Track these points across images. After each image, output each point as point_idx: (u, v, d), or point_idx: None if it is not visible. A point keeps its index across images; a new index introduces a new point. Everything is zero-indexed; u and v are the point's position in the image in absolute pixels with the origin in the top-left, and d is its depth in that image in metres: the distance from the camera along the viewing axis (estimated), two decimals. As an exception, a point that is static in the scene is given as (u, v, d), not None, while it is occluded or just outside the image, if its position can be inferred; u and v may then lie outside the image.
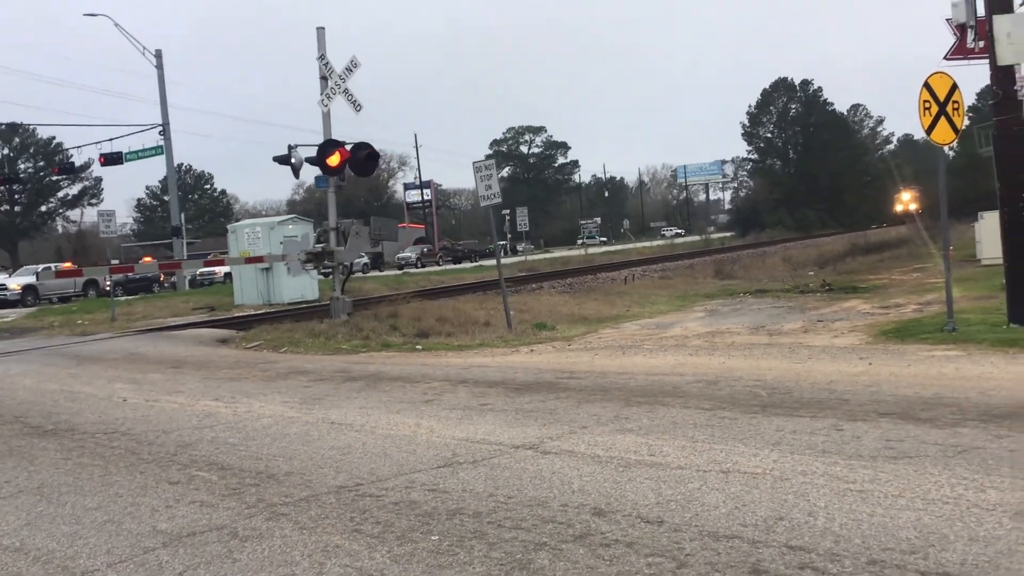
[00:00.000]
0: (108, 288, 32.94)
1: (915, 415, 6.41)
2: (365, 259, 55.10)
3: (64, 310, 30.71)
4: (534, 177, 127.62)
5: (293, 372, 11.64)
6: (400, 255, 67.26)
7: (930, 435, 5.79)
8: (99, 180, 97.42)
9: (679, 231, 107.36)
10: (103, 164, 43.34)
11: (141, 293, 42.63)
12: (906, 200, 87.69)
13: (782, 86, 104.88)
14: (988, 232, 23.21)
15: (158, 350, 15.47)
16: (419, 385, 9.73)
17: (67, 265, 42.51)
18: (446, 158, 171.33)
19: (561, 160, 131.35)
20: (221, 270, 45.96)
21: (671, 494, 4.94)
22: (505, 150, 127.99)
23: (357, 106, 17.55)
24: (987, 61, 10.99)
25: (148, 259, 39.59)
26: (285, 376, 11.28)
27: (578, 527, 4.48)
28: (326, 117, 17.94)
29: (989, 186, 11.52)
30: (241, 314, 23.96)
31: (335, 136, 17.94)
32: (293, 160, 17.31)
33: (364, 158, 17.48)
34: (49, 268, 42.77)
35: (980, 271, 21.53)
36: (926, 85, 10.81)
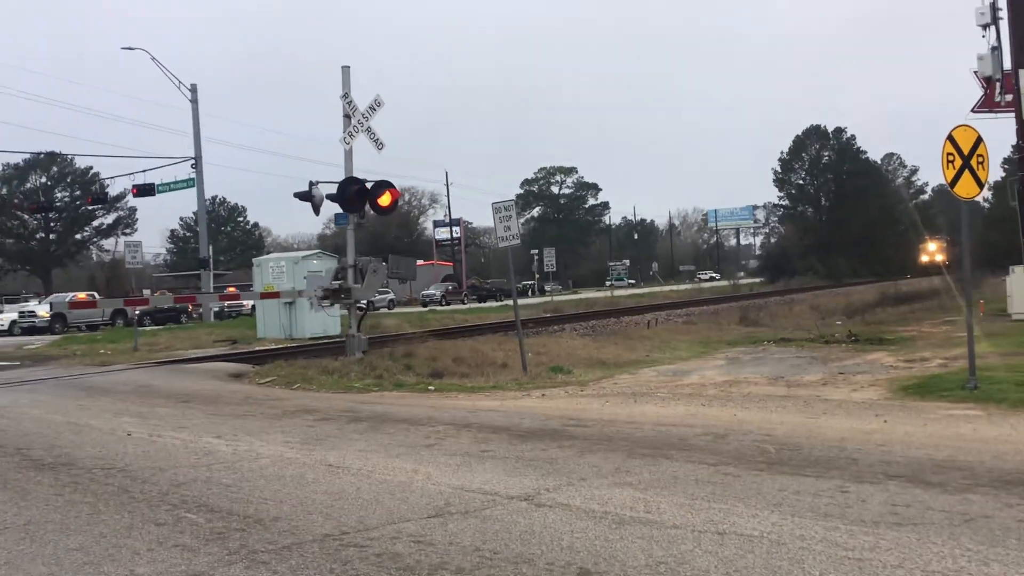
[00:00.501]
0: (135, 318, 33.15)
1: (925, 478, 6.18)
2: (391, 295, 55.31)
3: (89, 339, 30.98)
4: (564, 217, 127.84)
5: (300, 411, 11.55)
6: (425, 292, 67.55)
7: (938, 501, 5.56)
8: (134, 210, 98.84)
9: (714, 275, 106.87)
10: (135, 195, 44.05)
11: (169, 324, 42.96)
12: (932, 251, 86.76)
13: (815, 133, 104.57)
14: (1020, 286, 22.79)
15: (170, 383, 15.46)
16: (423, 428, 9.59)
17: (82, 296, 42.99)
18: (477, 196, 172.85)
19: (592, 201, 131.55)
20: (249, 302, 46.26)
21: (662, 555, 4.75)
22: (536, 190, 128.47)
23: (379, 144, 17.63)
24: (1014, 114, 10.83)
25: (164, 292, 39.97)
26: (291, 414, 11.19)
27: (560, 588, 4.31)
28: (348, 154, 18.02)
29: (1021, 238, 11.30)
30: (261, 348, 23.99)
31: (358, 173, 18.02)
32: (314, 196, 17.36)
33: (384, 196, 17.50)
34: (64, 298, 43.29)
35: (1011, 326, 21.10)
36: (950, 138, 10.65)
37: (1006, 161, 56.89)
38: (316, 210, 17.67)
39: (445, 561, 4.82)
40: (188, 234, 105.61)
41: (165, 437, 9.64)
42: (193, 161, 43.70)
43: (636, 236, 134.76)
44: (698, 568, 4.51)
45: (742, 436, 8.24)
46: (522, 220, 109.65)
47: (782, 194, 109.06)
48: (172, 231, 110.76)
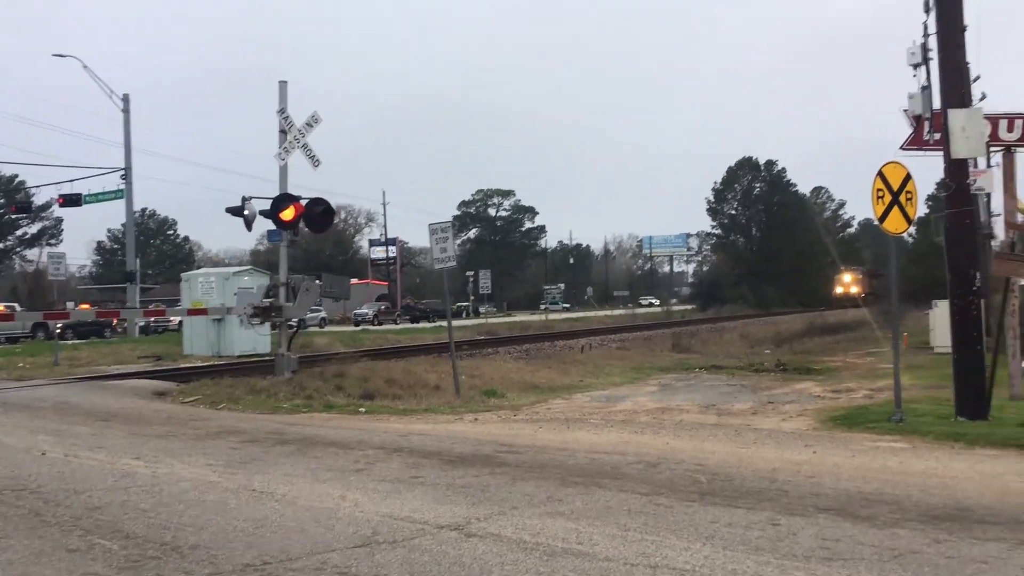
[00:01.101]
0: (56, 332, 32.11)
1: (854, 512, 6.20)
2: (323, 313, 54.59)
3: (7, 352, 29.89)
4: (501, 240, 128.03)
5: (225, 432, 11.22)
6: (357, 311, 66.76)
7: (867, 535, 5.58)
8: (59, 220, 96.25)
9: (653, 300, 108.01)
10: (61, 205, 42.89)
11: (92, 338, 41.72)
12: (847, 283, 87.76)
13: (747, 165, 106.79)
14: (941, 320, 23.41)
15: (90, 400, 14.94)
16: (353, 452, 9.38)
17: (0, 308, 41.58)
18: (414, 216, 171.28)
19: (528, 224, 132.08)
20: (176, 318, 45.20)
21: (593, 589, 4.66)
22: (473, 211, 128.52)
23: (316, 161, 17.38)
24: (942, 153, 11.09)
25: (85, 306, 38.70)
26: (215, 436, 10.86)
27: (489, 624, 4.19)
28: (283, 170, 17.73)
29: (945, 274, 11.54)
30: (188, 365, 23.41)
31: (293, 190, 17.74)
32: (246, 212, 17.01)
33: (319, 214, 17.26)
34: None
35: (932, 359, 21.64)
36: (880, 174, 10.87)
37: (930, 198, 58.66)
38: (248, 226, 17.32)
39: (371, 594, 4.66)
40: (115, 246, 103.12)
41: (82, 457, 9.26)
42: (123, 172, 42.71)
43: (571, 260, 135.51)
44: (630, 603, 4.43)
45: (674, 465, 8.22)
46: (458, 241, 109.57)
47: (715, 223, 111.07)
48: (99, 243, 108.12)
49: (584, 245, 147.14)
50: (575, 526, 6.00)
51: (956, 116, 10.63)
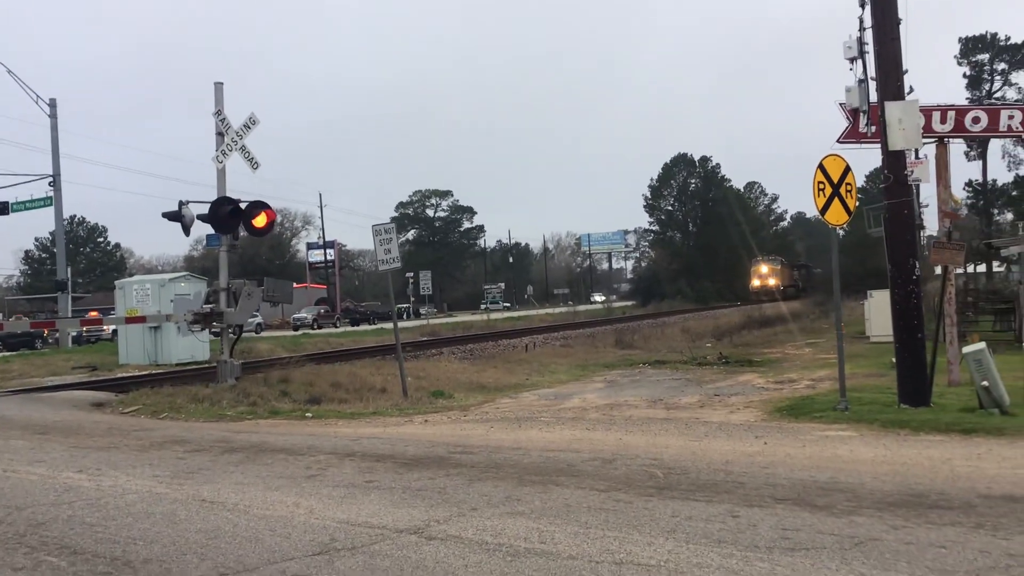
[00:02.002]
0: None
1: (811, 501, 6.26)
2: (259, 318, 53.80)
3: (-68, 365, 28.83)
4: (439, 240, 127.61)
5: (169, 441, 10.94)
6: (296, 315, 65.88)
7: (826, 524, 5.63)
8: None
9: (599, 297, 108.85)
10: (-13, 213, 41.39)
11: (22, 349, 40.49)
12: (764, 274, 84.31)
13: (682, 161, 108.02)
14: (877, 310, 23.95)
15: (26, 414, 14.45)
16: (303, 458, 9.21)
17: (-81, 320, 40.12)
18: (352, 219, 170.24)
19: (467, 224, 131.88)
20: (110, 327, 44.12)
21: (560, 589, 4.61)
22: (411, 212, 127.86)
23: (254, 164, 17.07)
24: (879, 145, 11.30)
25: (20, 317, 37.45)
26: (160, 446, 10.58)
27: (458, 628, 4.11)
28: (221, 174, 17.37)
29: (878, 265, 11.77)
30: (125, 375, 22.84)
31: (232, 193, 17.41)
32: (184, 216, 16.64)
33: (259, 217, 16.94)
34: None
35: (869, 348, 22.12)
36: (820, 167, 11.03)
37: (860, 191, 60.04)
38: (186, 231, 16.95)
39: (334, 602, 4.55)
40: (44, 255, 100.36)
41: (21, 472, 8.93)
42: (51, 179, 41.51)
43: (511, 259, 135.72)
44: (598, 601, 4.40)
45: (629, 461, 8.23)
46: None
47: (652, 219, 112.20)
48: (27, 252, 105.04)
49: (523, 244, 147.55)
50: (536, 525, 5.95)
51: (893, 108, 10.84)
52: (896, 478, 6.93)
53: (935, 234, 15.22)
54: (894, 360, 11.28)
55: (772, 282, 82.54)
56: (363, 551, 5.50)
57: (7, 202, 41.02)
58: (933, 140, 13.65)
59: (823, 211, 11.10)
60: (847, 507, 6.05)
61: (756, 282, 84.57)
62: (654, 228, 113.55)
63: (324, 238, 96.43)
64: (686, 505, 6.32)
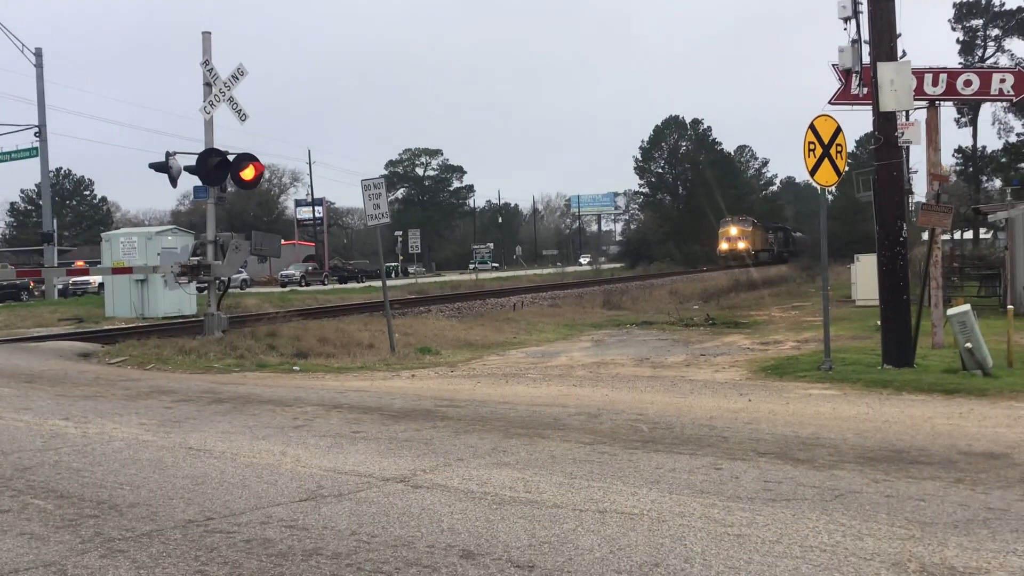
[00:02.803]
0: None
1: (793, 455, 6.34)
2: (244, 275, 53.63)
3: (-83, 316, 28.70)
4: (429, 200, 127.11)
5: (156, 391, 10.96)
6: (284, 272, 65.73)
7: (808, 477, 5.70)
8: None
9: (588, 259, 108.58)
10: (-29, 164, 40.98)
11: (8, 301, 40.29)
12: (734, 236, 77.15)
13: (673, 124, 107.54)
14: (864, 274, 24.03)
15: (12, 363, 14.43)
16: (290, 409, 9.24)
17: (-98, 268, 39.72)
18: (341, 176, 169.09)
19: (456, 184, 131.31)
20: (96, 279, 43.89)
21: (545, 535, 4.66)
22: (401, 171, 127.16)
23: (242, 115, 16.91)
24: (870, 107, 11.27)
25: (6, 266, 37.08)
26: (146, 395, 10.60)
27: (444, 571, 4.16)
28: (208, 124, 17.21)
29: (865, 229, 11.80)
30: (111, 327, 22.79)
31: (219, 146, 17.26)
32: (171, 168, 16.51)
33: (249, 170, 16.82)
34: None
35: (855, 311, 22.24)
36: (811, 127, 11.00)
37: (850, 156, 59.96)
38: (173, 182, 16.82)
39: (320, 546, 4.59)
40: (29, 207, 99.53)
41: (7, 419, 8.94)
42: (37, 130, 41.04)
43: (500, 220, 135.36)
44: (581, 547, 4.45)
45: (615, 415, 8.29)
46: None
47: (642, 182, 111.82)
48: (12, 204, 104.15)
49: (513, 204, 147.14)
50: (521, 475, 6.00)
51: (885, 69, 10.80)
52: (877, 435, 7.01)
53: (923, 199, 15.25)
54: (879, 323, 11.36)
55: (741, 245, 77.04)
56: (349, 498, 5.54)
57: (-8, 152, 40.63)
58: (924, 103, 13.62)
59: (813, 172, 11.10)
60: (828, 461, 6.12)
61: (724, 245, 78.30)
62: (644, 191, 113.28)
63: (312, 195, 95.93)
64: (670, 458, 6.38)
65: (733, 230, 77.85)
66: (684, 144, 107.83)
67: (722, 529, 4.65)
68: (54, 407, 9.78)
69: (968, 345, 10.11)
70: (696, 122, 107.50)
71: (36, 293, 44.77)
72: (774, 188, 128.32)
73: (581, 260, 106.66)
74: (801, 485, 5.50)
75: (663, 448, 6.74)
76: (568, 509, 5.14)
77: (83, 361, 15.25)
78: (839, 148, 11.05)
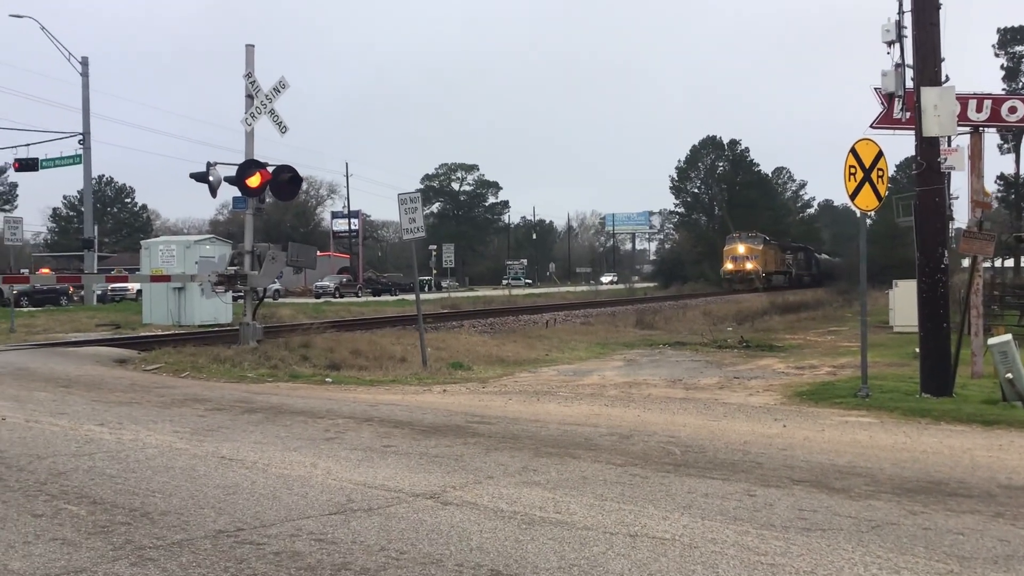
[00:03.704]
0: (12, 297, 31.43)
1: (829, 484, 6.24)
2: (277, 285, 54.09)
3: (-41, 318, 29.22)
4: (464, 215, 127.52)
5: (190, 399, 11.05)
6: (319, 283, 66.21)
7: (844, 507, 5.61)
8: (14, 186, 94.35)
9: (610, 278, 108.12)
10: (17, 170, 41.72)
11: (48, 305, 40.92)
12: (742, 255, 68.33)
13: (711, 144, 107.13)
14: (902, 300, 23.70)
15: (50, 367, 14.63)
16: (322, 421, 9.27)
17: (-48, 272, 40.51)
18: (377, 189, 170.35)
19: (492, 199, 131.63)
20: (134, 286, 44.43)
21: (574, 558, 4.62)
22: (437, 185, 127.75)
23: (283, 127, 17.09)
24: (912, 132, 11.14)
25: (46, 271, 37.64)
26: (181, 403, 10.69)
27: (472, 591, 4.14)
28: (249, 136, 17.41)
29: (904, 255, 11.65)
30: (148, 334, 23.05)
31: (259, 158, 17.44)
32: (211, 178, 16.71)
33: (286, 181, 17.00)
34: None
35: (893, 337, 21.93)
36: (853, 151, 10.88)
37: (890, 180, 59.27)
38: (213, 192, 17.01)
39: (348, 561, 4.59)
40: (71, 213, 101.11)
41: (43, 423, 9.06)
42: (81, 137, 41.77)
43: (534, 236, 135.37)
44: (612, 571, 4.40)
45: (647, 437, 8.22)
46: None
47: (678, 201, 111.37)
48: (55, 209, 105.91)
49: (547, 221, 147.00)
50: (552, 495, 5.96)
51: (928, 94, 10.68)
52: (915, 465, 6.89)
53: (964, 225, 15.03)
54: (917, 350, 11.18)
55: (749, 266, 68.65)
56: (379, 512, 5.53)
57: (37, 158, 41.30)
58: (968, 129, 13.45)
59: (853, 196, 10.96)
60: (865, 491, 6.02)
61: (728, 265, 70.19)
62: (679, 210, 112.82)
63: (349, 207, 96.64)
64: (703, 482, 6.31)
65: (740, 248, 69.68)
66: (721, 164, 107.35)
67: (755, 558, 4.58)
68: (90, 412, 9.89)
69: (1009, 376, 9.92)
70: (734, 143, 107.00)
71: (75, 298, 45.44)
72: (811, 211, 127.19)
73: (603, 279, 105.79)
74: (837, 515, 5.41)
75: (695, 472, 6.66)
76: (598, 531, 5.09)
77: (119, 367, 15.42)
78: (880, 172, 10.92)
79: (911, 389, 11.03)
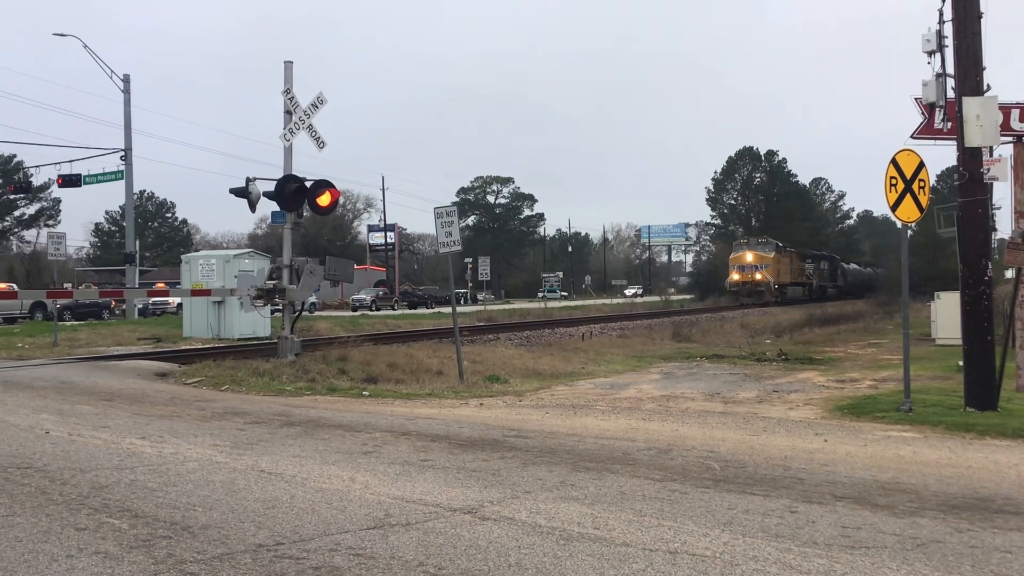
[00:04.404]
0: (56, 312, 31.99)
1: (872, 500, 6.14)
2: (313, 298, 54.51)
3: (6, 332, 29.78)
4: (499, 227, 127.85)
5: (230, 413, 11.14)
6: (355, 296, 66.64)
7: (888, 524, 5.51)
8: (58, 201, 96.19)
9: (638, 290, 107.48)
10: (61, 185, 42.60)
11: (90, 319, 41.59)
12: (748, 264, 62.64)
13: (748, 155, 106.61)
14: (944, 312, 23.34)
15: (92, 380, 14.84)
16: (360, 435, 9.31)
17: (1, 286, 41.33)
18: (413, 203, 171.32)
19: (527, 212, 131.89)
20: (174, 300, 45.03)
21: (613, 574, 4.58)
22: (472, 198, 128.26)
23: (320, 143, 17.25)
24: (954, 142, 10.98)
25: (89, 285, 38.42)
26: (220, 416, 10.78)
27: (510, 608, 4.12)
28: (287, 152, 17.59)
29: (946, 266, 11.50)
30: (188, 347, 23.32)
31: (297, 172, 17.60)
32: (251, 192, 16.90)
33: (325, 196, 17.12)
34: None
35: (935, 350, 21.59)
36: (893, 162, 10.75)
37: (931, 191, 58.47)
38: (252, 207, 17.20)
39: (387, 576, 4.59)
40: (113, 228, 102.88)
41: (86, 436, 9.18)
42: (123, 153, 42.49)
43: (570, 248, 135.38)
44: (652, 588, 4.36)
45: (686, 452, 8.15)
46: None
47: (714, 213, 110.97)
48: (97, 224, 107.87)
49: (583, 234, 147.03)
50: (590, 511, 5.92)
51: (971, 104, 10.53)
52: (961, 481, 6.76)
53: (1008, 236, 14.76)
54: (961, 363, 10.99)
55: (759, 276, 62.02)
56: (417, 527, 5.53)
57: (80, 174, 42.09)
58: (1011, 139, 13.24)
59: (894, 207, 10.83)
60: (909, 508, 5.91)
61: (735, 276, 63.60)
62: (716, 222, 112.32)
63: (385, 221, 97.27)
64: (743, 498, 6.24)
65: (748, 256, 62.56)
66: (758, 176, 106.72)
67: (798, 576, 4.52)
68: (131, 425, 10.01)
69: (1057, 390, 9.71)
70: (771, 153, 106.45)
71: (117, 312, 46.14)
72: (850, 221, 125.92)
73: (627, 291, 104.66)
74: (881, 532, 5.32)
75: (735, 488, 6.59)
76: (638, 548, 5.05)
77: (160, 380, 15.60)
78: (922, 183, 10.77)
79: (955, 403, 10.83)
